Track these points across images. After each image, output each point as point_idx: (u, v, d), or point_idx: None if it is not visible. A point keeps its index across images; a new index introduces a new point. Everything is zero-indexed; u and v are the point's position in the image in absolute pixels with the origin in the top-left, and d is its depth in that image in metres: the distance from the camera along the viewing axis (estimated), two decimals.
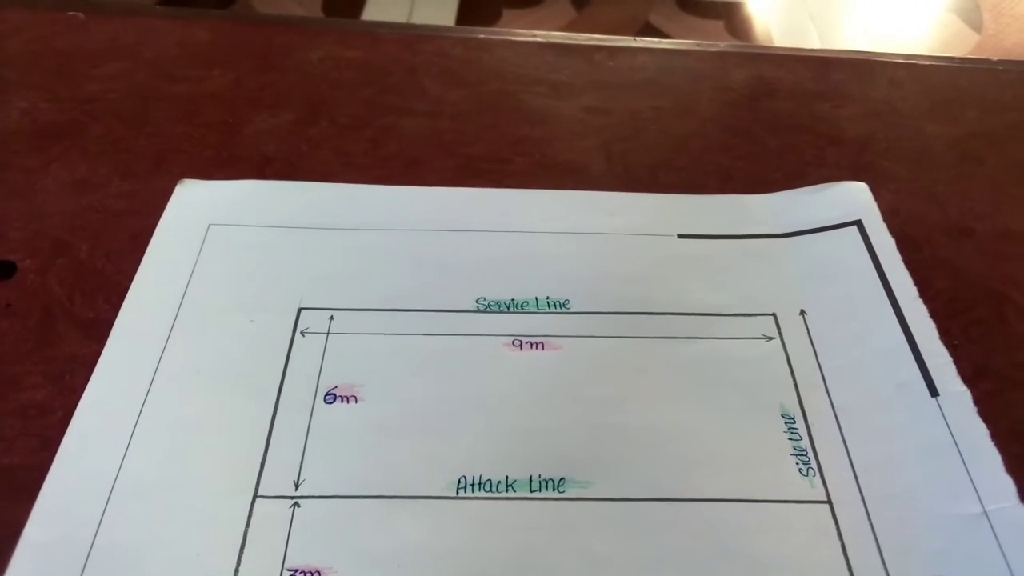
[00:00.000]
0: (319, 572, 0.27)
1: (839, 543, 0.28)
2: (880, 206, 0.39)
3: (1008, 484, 0.28)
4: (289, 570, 0.27)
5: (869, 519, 0.28)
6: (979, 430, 0.30)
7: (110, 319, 0.34)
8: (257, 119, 0.44)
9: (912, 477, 0.29)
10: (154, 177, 0.40)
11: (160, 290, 0.35)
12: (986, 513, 0.28)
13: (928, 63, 0.50)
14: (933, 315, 0.34)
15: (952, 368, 0.32)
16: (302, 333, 0.33)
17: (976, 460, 0.29)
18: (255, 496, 0.28)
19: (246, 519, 0.28)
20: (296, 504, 0.28)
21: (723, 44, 0.51)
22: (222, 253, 0.36)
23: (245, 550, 0.27)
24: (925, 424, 0.30)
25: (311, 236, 0.37)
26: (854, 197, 0.39)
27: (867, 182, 0.40)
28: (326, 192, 0.40)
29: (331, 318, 0.34)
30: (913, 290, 0.35)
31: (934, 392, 0.31)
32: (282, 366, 0.32)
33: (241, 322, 0.34)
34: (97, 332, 0.33)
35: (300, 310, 0.34)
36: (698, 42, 0.51)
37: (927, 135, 0.45)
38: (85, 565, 0.26)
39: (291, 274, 0.36)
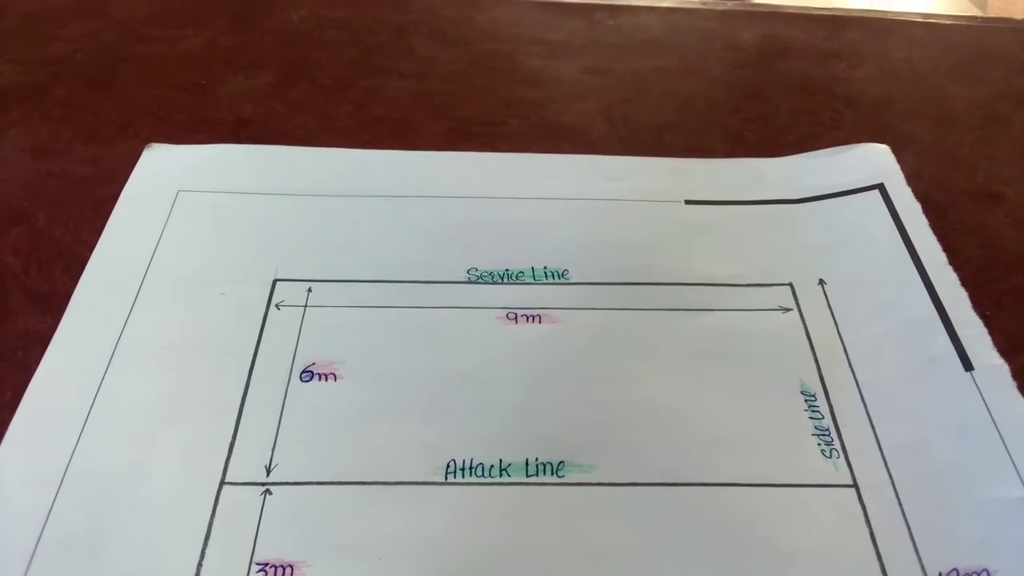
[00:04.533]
0: (291, 566, 0.24)
1: (867, 531, 0.25)
2: (902, 170, 0.36)
3: None
4: (258, 564, 0.24)
5: (900, 504, 0.25)
6: (1019, 406, 0.27)
7: (68, 292, 0.31)
8: (232, 81, 0.41)
9: (946, 458, 0.26)
10: (120, 142, 0.37)
11: (123, 260, 0.32)
12: None
13: (949, 22, 0.47)
14: (962, 284, 0.32)
15: (987, 340, 0.29)
16: (277, 306, 0.31)
17: (1017, 439, 0.26)
18: (222, 483, 0.26)
19: (211, 508, 0.25)
20: (267, 491, 0.25)
21: (731, 2, 0.49)
22: (191, 221, 0.34)
23: (209, 542, 0.24)
24: (959, 401, 0.28)
25: (288, 203, 0.35)
26: (875, 160, 0.36)
27: (887, 145, 0.37)
28: (305, 156, 0.37)
29: (309, 290, 0.31)
30: (942, 257, 0.32)
31: (968, 366, 0.28)
32: (255, 342, 0.29)
33: (211, 295, 0.31)
34: (54, 306, 0.30)
35: (275, 281, 0.31)
36: (704, 0, 0.48)
37: (949, 96, 0.42)
38: (32, 558, 0.24)
39: (266, 243, 0.33)
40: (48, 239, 0.33)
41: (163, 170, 0.36)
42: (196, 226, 0.33)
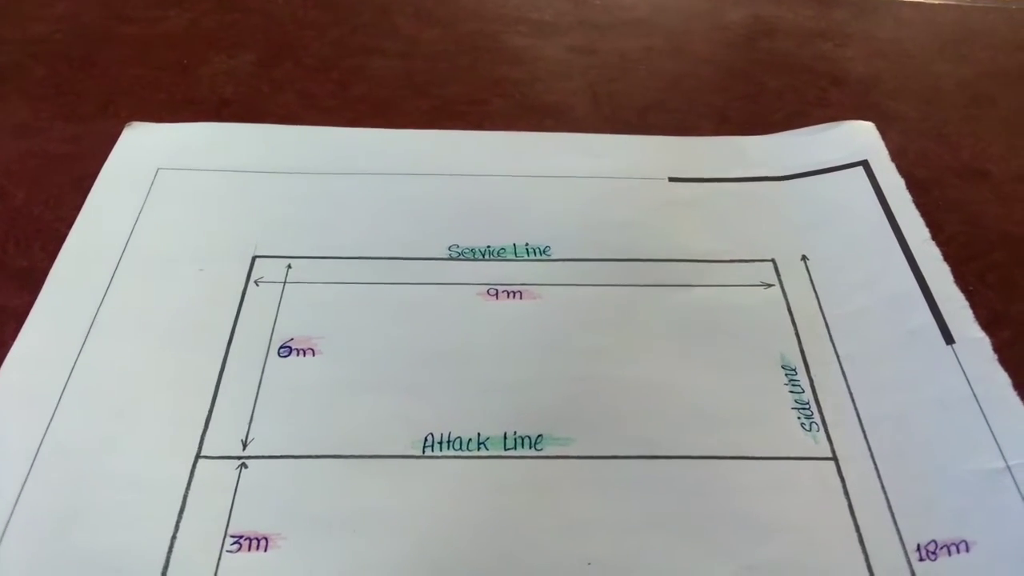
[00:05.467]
0: (266, 538, 0.24)
1: (846, 502, 0.25)
2: (887, 147, 0.36)
3: None
4: (233, 536, 0.24)
5: (879, 476, 0.25)
6: (1000, 379, 0.27)
7: (46, 268, 0.31)
8: (215, 61, 0.41)
9: (926, 431, 0.26)
10: (100, 121, 0.37)
11: (101, 237, 0.32)
12: (1009, 468, 0.25)
13: (936, 2, 0.47)
14: (946, 260, 0.31)
15: (969, 313, 0.29)
16: (256, 282, 0.30)
17: (997, 412, 0.26)
18: (197, 456, 0.25)
19: (187, 482, 0.25)
20: (243, 465, 0.25)
21: None
22: (171, 198, 0.33)
23: (184, 515, 0.24)
24: (940, 373, 0.27)
25: (268, 181, 0.34)
26: (860, 137, 0.36)
27: (873, 122, 0.37)
28: (286, 135, 0.36)
29: (288, 266, 0.31)
30: (925, 232, 0.32)
31: (949, 339, 0.28)
32: (233, 317, 0.29)
33: (189, 271, 0.31)
34: (31, 282, 0.30)
35: (254, 258, 0.31)
36: None
37: (936, 75, 0.42)
38: (4, 531, 0.23)
39: (245, 220, 0.33)
40: (27, 216, 0.33)
41: (143, 148, 0.35)
42: (175, 203, 0.33)
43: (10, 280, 0.31)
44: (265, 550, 0.23)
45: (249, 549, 0.23)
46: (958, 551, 0.23)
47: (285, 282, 0.30)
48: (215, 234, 0.32)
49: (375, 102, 0.39)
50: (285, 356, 0.28)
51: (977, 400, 0.26)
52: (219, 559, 0.23)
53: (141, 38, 0.42)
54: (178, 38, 0.42)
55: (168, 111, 0.38)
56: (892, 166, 0.35)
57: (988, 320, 0.30)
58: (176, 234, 0.32)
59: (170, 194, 0.34)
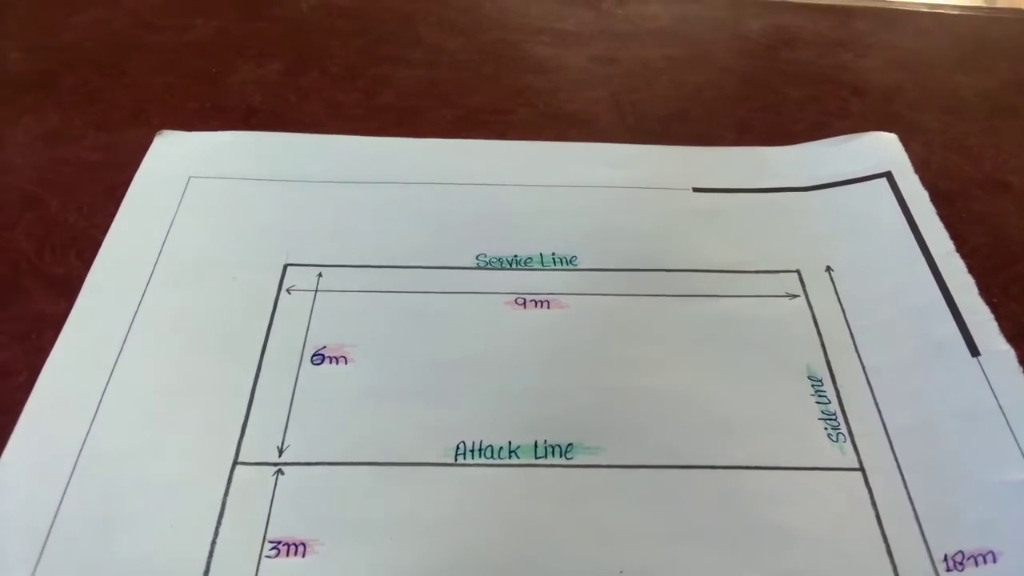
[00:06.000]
0: (304, 544, 0.24)
1: (874, 513, 0.25)
2: (909, 159, 0.36)
3: None
4: (271, 542, 0.24)
5: (906, 487, 0.26)
6: None
7: (81, 275, 0.31)
8: (243, 69, 0.41)
9: (952, 442, 0.26)
10: (132, 129, 0.38)
11: (136, 245, 0.32)
12: None
13: (956, 12, 0.47)
14: (970, 272, 0.32)
15: (994, 326, 0.29)
16: (288, 290, 0.31)
17: (1023, 423, 0.26)
18: (235, 463, 0.26)
19: (225, 487, 0.25)
20: (279, 471, 0.26)
21: None
22: (203, 207, 0.34)
23: (223, 520, 0.24)
24: (966, 386, 0.28)
25: (298, 189, 0.35)
26: (883, 148, 0.37)
27: (895, 134, 0.37)
28: (315, 143, 0.37)
29: (319, 275, 0.31)
30: (949, 244, 0.32)
31: (975, 352, 0.29)
32: (266, 325, 0.30)
33: (222, 279, 0.31)
34: (67, 289, 0.31)
35: (286, 266, 0.32)
36: None
37: (957, 86, 0.42)
38: (48, 537, 0.24)
39: (277, 229, 0.33)
40: (61, 224, 0.33)
41: (174, 156, 0.36)
42: (207, 211, 0.34)
43: (48, 287, 0.31)
44: (303, 556, 0.24)
45: (288, 555, 0.24)
46: (985, 562, 0.24)
47: (317, 290, 0.31)
48: (247, 242, 0.33)
49: (400, 111, 0.39)
50: (318, 364, 0.29)
51: (1003, 412, 0.27)
52: (258, 564, 0.24)
53: (169, 46, 0.43)
54: (206, 47, 0.43)
55: (198, 119, 0.38)
56: (915, 178, 0.35)
57: (1013, 332, 0.30)
58: (209, 242, 0.33)
59: (202, 202, 0.34)
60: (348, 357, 0.29)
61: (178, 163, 0.36)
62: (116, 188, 0.35)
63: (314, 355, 0.29)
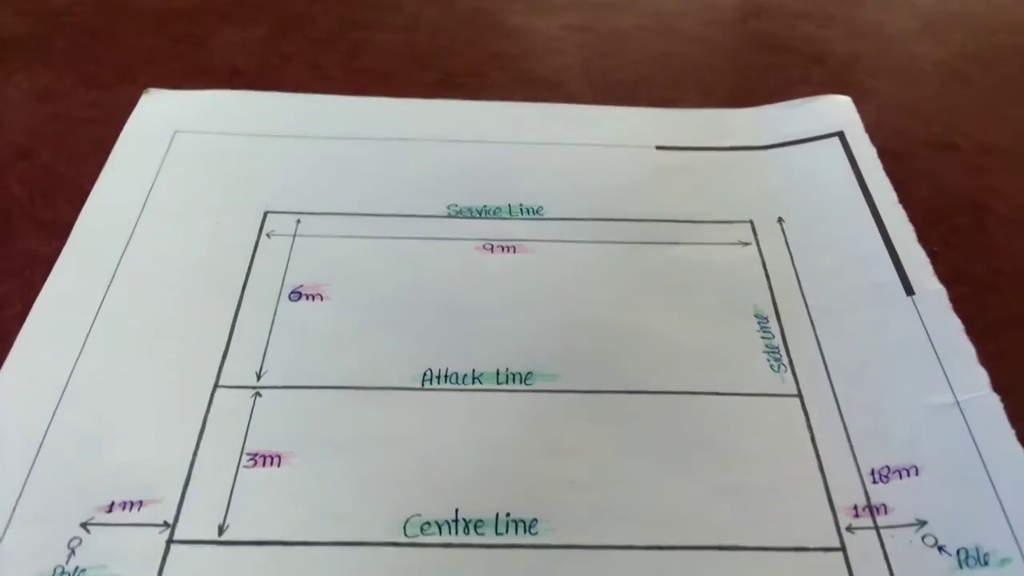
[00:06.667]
0: (279, 456, 0.26)
1: (809, 434, 0.27)
2: (863, 121, 0.38)
3: (981, 374, 0.28)
4: (248, 454, 0.26)
5: (840, 411, 0.28)
6: (954, 325, 0.29)
7: (71, 220, 0.33)
8: (227, 33, 0.43)
9: (884, 372, 0.28)
10: (120, 87, 0.39)
11: (123, 192, 0.34)
12: (958, 403, 0.27)
13: None
14: (913, 223, 0.34)
15: (929, 268, 0.31)
16: (268, 235, 0.33)
17: (950, 354, 0.28)
18: (216, 386, 0.28)
19: (206, 407, 0.27)
20: (257, 394, 0.28)
21: None
22: (187, 159, 0.36)
23: (204, 435, 0.26)
24: (900, 322, 0.30)
25: (279, 144, 0.37)
26: (837, 110, 0.38)
27: (851, 98, 0.39)
28: (296, 102, 0.39)
29: (298, 221, 0.33)
30: (893, 196, 0.34)
31: (910, 291, 0.31)
32: (247, 266, 0.31)
33: (206, 224, 0.33)
34: (58, 232, 0.32)
35: (266, 213, 0.33)
36: None
37: (915, 56, 0.44)
38: (40, 448, 0.26)
39: (258, 179, 0.35)
40: (52, 173, 0.35)
41: (161, 113, 0.38)
42: (192, 163, 0.35)
43: (39, 230, 0.33)
44: (278, 466, 0.26)
45: (264, 465, 0.26)
46: (908, 475, 0.26)
47: (295, 235, 0.33)
48: (229, 192, 0.34)
49: (380, 73, 0.41)
50: (295, 300, 0.31)
51: (932, 344, 0.29)
52: (236, 472, 0.25)
53: (156, 11, 0.44)
54: (191, 12, 0.44)
55: (183, 79, 0.40)
56: (866, 137, 0.37)
57: (950, 277, 0.32)
58: (193, 191, 0.34)
59: (187, 155, 0.36)
60: (324, 295, 0.31)
61: (164, 119, 0.37)
62: (104, 141, 0.36)
63: (292, 293, 0.31)
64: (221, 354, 0.29)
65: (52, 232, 0.32)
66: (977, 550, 0.24)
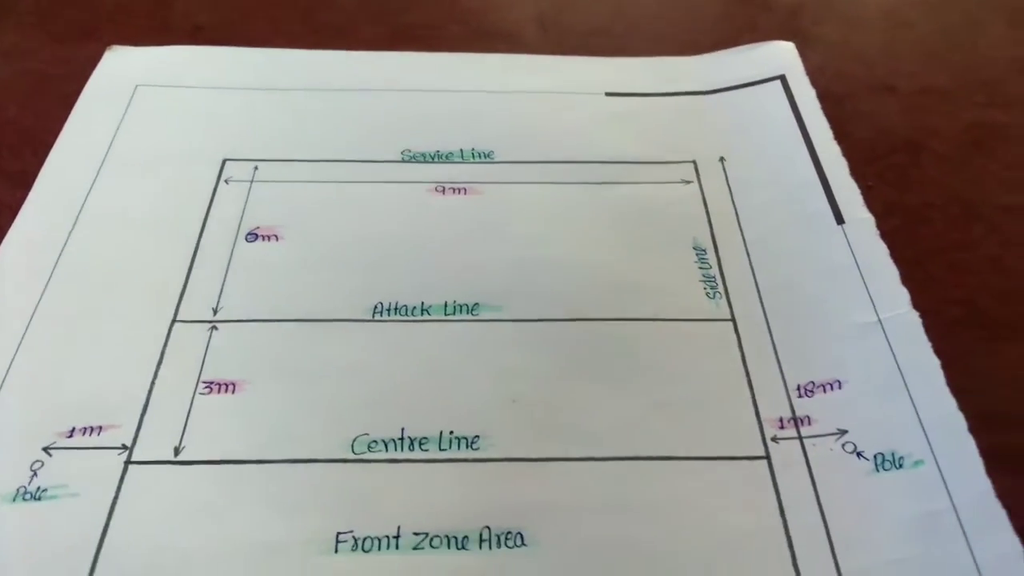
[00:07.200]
0: (234, 383, 0.27)
1: (739, 354, 0.28)
2: (807, 67, 0.39)
3: (903, 294, 0.29)
4: (204, 382, 0.27)
5: (770, 333, 0.29)
6: (879, 250, 0.31)
7: (36, 170, 0.34)
8: None
9: (813, 294, 0.30)
10: (85, 45, 0.40)
11: (86, 143, 0.35)
12: (880, 321, 0.29)
13: None
14: (851, 161, 0.35)
15: (859, 199, 0.33)
16: (226, 181, 0.34)
17: (875, 276, 0.30)
18: (173, 321, 0.29)
19: (164, 340, 0.28)
20: (214, 327, 0.29)
21: None
22: (149, 111, 0.37)
23: (162, 365, 0.28)
24: (830, 249, 0.31)
25: (239, 96, 0.38)
26: (780, 55, 0.40)
27: (798, 44, 0.41)
28: (256, 56, 0.40)
29: (256, 168, 0.34)
30: (829, 133, 0.35)
31: (840, 220, 0.32)
32: (205, 209, 0.33)
33: (165, 171, 0.34)
34: (23, 181, 0.33)
35: (225, 161, 0.35)
36: None
37: (860, 2, 0.45)
38: (3, 382, 0.27)
39: (218, 130, 0.36)
40: (17, 126, 0.36)
41: (123, 68, 0.39)
42: (153, 115, 0.36)
43: (5, 179, 0.34)
44: (233, 393, 0.27)
45: (219, 392, 0.27)
46: (832, 389, 0.27)
47: (253, 181, 0.34)
48: (189, 141, 0.35)
49: (338, 28, 0.42)
50: (252, 241, 0.32)
51: (859, 268, 0.30)
52: (192, 399, 0.27)
53: None
54: None
55: (146, 36, 0.41)
56: (806, 79, 0.38)
57: (884, 210, 0.33)
58: (153, 141, 0.35)
59: (148, 107, 0.37)
60: (280, 236, 0.32)
61: (127, 74, 0.38)
62: (70, 97, 0.37)
63: (248, 234, 0.32)
64: (179, 291, 0.30)
65: (18, 182, 0.33)
66: (893, 454, 0.26)
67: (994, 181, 0.36)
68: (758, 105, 0.37)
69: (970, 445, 0.25)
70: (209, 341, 0.28)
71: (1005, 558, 0.23)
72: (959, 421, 0.26)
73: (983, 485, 0.24)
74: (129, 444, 0.26)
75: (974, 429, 0.26)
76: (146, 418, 0.26)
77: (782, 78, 0.38)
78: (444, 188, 0.34)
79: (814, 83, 0.39)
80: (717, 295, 0.30)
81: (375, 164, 0.35)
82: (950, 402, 0.26)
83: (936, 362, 0.27)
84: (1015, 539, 0.23)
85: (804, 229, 0.32)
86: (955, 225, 0.34)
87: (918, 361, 0.27)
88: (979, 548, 0.23)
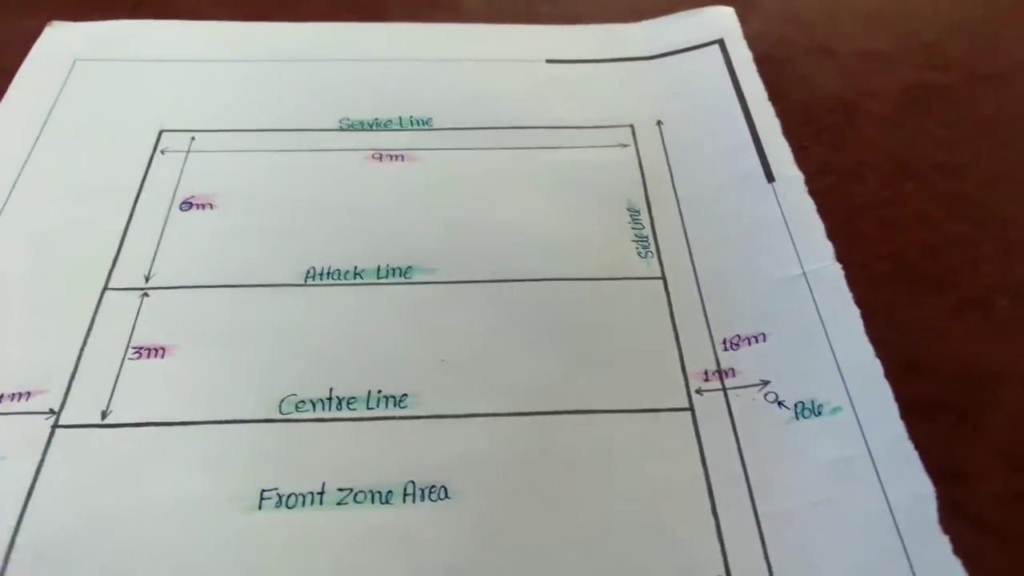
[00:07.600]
0: (163, 348, 0.27)
1: (668, 310, 0.29)
2: (748, 31, 0.40)
3: (827, 247, 0.29)
4: (134, 347, 0.27)
5: (699, 289, 0.29)
6: (807, 206, 0.31)
7: None
8: None
9: (742, 251, 0.30)
10: (24, 20, 0.40)
11: (23, 116, 0.35)
12: (804, 273, 0.29)
13: None
14: (788, 123, 0.35)
15: (790, 157, 0.33)
16: (163, 152, 0.34)
17: (801, 231, 0.30)
18: (104, 288, 0.29)
19: (95, 307, 0.28)
20: (145, 294, 0.29)
21: None
22: (87, 84, 0.37)
23: (92, 331, 0.28)
24: (760, 206, 0.31)
25: (177, 68, 0.37)
26: (719, 20, 0.40)
27: (738, 10, 0.41)
28: (195, 28, 0.39)
29: (192, 139, 0.34)
30: (763, 94, 0.36)
31: (771, 178, 0.32)
32: (140, 180, 0.33)
33: (102, 142, 0.34)
34: None
35: (162, 132, 0.35)
36: None
37: None
38: None
39: (155, 102, 0.36)
40: None
41: (63, 43, 0.38)
42: (91, 88, 0.36)
43: None
44: (162, 357, 0.27)
45: (148, 357, 0.27)
46: (757, 341, 0.28)
47: (189, 151, 0.34)
48: (127, 113, 0.35)
49: (279, 0, 0.42)
50: (186, 210, 0.32)
51: (786, 223, 0.31)
52: (122, 364, 0.27)
53: None
54: None
55: (86, 10, 0.40)
56: (743, 43, 0.38)
57: (818, 169, 0.33)
58: (91, 113, 0.35)
59: (86, 80, 0.37)
60: (214, 204, 0.32)
61: (65, 48, 0.38)
62: (9, 71, 0.37)
63: (183, 203, 0.32)
64: (111, 260, 0.30)
65: None
66: (812, 402, 0.26)
67: (929, 140, 0.36)
68: (696, 69, 0.38)
69: (886, 392, 0.25)
70: (140, 308, 0.28)
71: (917, 498, 0.23)
72: (876, 368, 0.26)
73: (898, 429, 0.25)
74: (57, 408, 0.26)
75: (894, 378, 0.26)
76: (74, 383, 0.26)
77: (720, 42, 0.38)
78: (381, 155, 0.34)
79: (754, 47, 0.39)
80: (649, 254, 0.31)
81: (313, 133, 0.35)
82: (868, 350, 0.26)
83: (856, 311, 0.27)
84: (927, 480, 0.23)
85: (736, 188, 0.32)
86: (888, 183, 0.34)
87: (839, 312, 0.28)
88: (892, 489, 0.24)
